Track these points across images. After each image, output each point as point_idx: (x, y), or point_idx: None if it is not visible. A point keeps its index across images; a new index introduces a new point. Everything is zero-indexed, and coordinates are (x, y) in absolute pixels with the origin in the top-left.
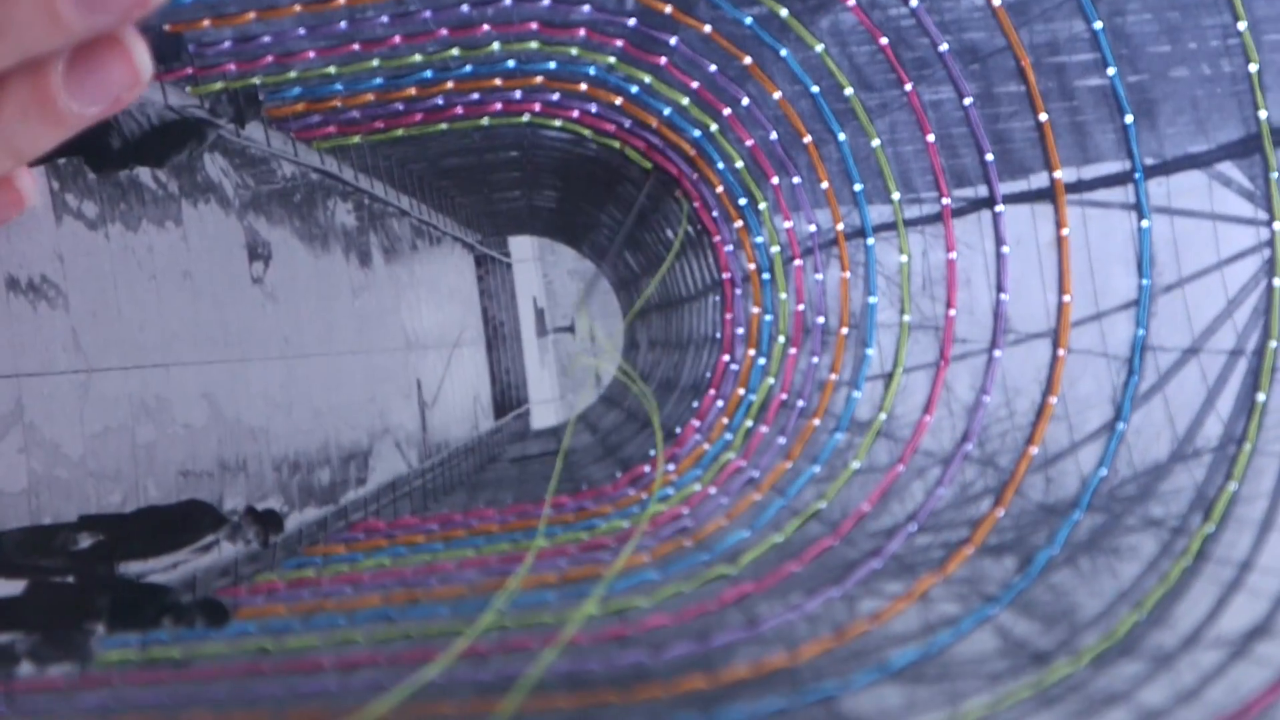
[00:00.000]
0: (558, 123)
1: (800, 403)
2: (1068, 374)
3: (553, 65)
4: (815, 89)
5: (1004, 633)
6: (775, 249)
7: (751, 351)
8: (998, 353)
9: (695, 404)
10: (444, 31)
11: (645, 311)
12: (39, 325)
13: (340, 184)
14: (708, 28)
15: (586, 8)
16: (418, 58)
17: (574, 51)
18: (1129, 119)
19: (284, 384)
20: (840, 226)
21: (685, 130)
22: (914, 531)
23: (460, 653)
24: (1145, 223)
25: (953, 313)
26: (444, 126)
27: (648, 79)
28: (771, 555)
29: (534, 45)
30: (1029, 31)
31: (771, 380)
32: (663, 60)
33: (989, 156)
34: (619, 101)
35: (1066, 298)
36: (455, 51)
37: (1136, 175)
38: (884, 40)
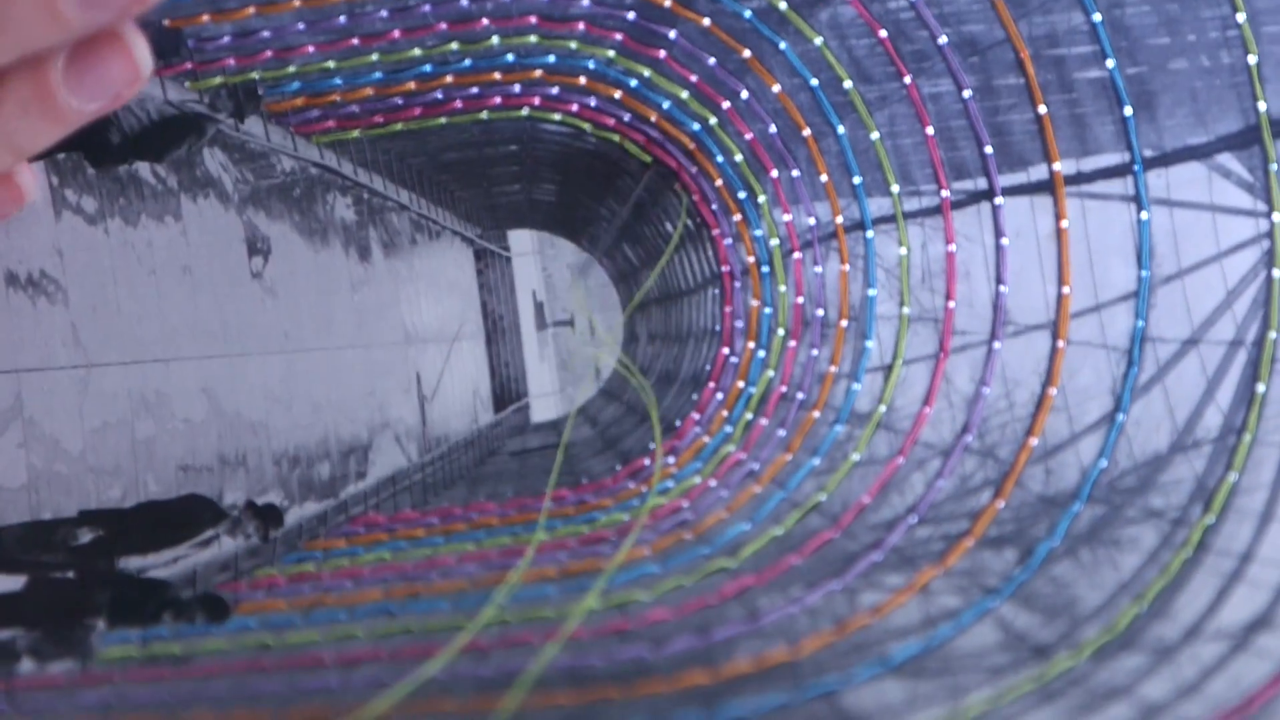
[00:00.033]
0: (557, 116)
1: (800, 395)
2: (1067, 365)
3: (552, 59)
4: (814, 82)
5: (1005, 625)
6: (774, 242)
7: (751, 344)
8: (997, 344)
9: (695, 397)
10: (443, 25)
11: (645, 305)
12: (38, 320)
13: (339, 178)
14: (707, 21)
15: (585, 2)
16: (417, 52)
17: (573, 45)
18: (1128, 111)
19: (284, 378)
20: (839, 219)
21: (684, 124)
22: (914, 524)
23: (461, 648)
24: (1144, 214)
25: (952, 305)
26: (443, 121)
27: (647, 72)
28: (772, 548)
29: (533, 39)
30: (1028, 24)
31: (771, 373)
32: (662, 54)
33: (988, 149)
34: (618, 95)
35: (1066, 289)
36: (454, 46)
37: (1136, 167)
38: (883, 33)
